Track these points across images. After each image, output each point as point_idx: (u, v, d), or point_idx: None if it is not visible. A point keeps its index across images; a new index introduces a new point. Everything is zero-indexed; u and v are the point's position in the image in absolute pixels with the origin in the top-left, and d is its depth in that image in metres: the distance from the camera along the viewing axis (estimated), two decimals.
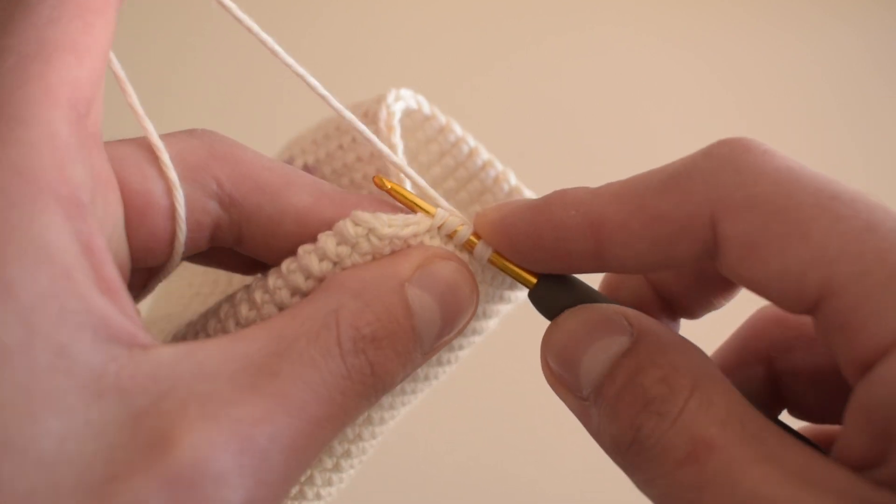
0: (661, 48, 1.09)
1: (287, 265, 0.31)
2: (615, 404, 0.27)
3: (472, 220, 0.33)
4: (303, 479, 0.36)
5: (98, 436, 0.22)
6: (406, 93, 0.38)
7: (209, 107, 0.98)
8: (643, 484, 0.27)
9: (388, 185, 0.33)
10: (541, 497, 0.85)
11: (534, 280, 0.33)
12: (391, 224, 0.32)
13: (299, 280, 0.31)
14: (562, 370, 0.30)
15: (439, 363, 0.39)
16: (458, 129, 0.40)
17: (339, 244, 0.31)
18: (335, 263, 0.31)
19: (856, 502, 0.23)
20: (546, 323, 0.33)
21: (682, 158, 0.29)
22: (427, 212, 0.33)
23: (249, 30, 0.33)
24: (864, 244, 0.24)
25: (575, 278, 0.33)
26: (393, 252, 0.32)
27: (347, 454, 0.37)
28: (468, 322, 0.32)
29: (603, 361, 0.28)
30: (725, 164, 0.27)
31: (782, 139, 1.09)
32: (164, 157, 0.30)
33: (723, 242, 0.26)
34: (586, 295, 0.32)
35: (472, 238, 0.33)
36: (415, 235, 0.33)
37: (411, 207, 0.33)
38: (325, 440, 0.27)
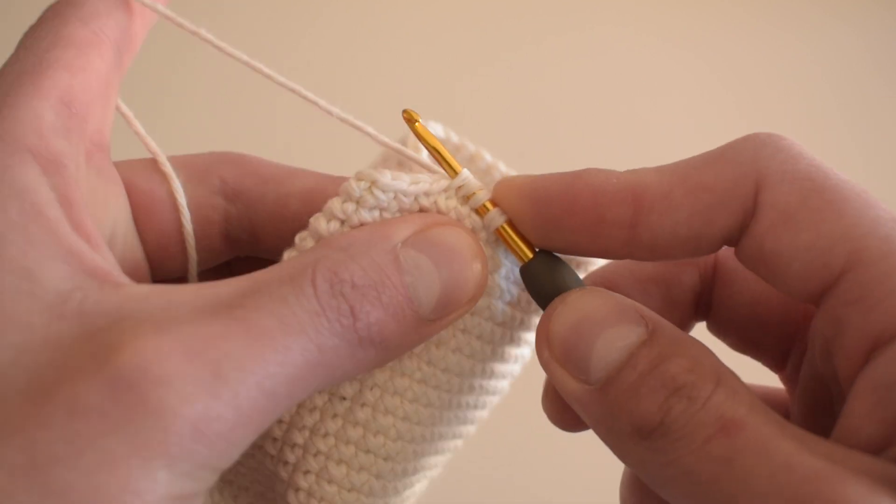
0: (660, 48, 1.10)
1: (299, 236, 0.31)
2: (637, 389, 0.27)
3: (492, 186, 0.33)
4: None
5: (53, 349, 0.24)
6: (435, 125, 0.39)
7: (214, 124, 0.98)
8: (661, 467, 0.26)
9: (417, 121, 0.32)
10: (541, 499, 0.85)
11: (531, 254, 0.32)
12: (398, 178, 0.31)
13: (309, 245, 0.31)
14: (567, 353, 0.29)
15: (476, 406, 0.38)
16: (488, 157, 0.40)
17: (344, 202, 0.31)
18: (342, 222, 0.31)
19: (883, 479, 0.23)
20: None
21: (722, 145, 0.30)
22: (449, 167, 0.32)
23: (271, 78, 0.34)
24: (891, 230, 0.25)
25: (571, 268, 0.32)
26: (402, 213, 0.31)
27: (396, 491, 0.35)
28: (477, 291, 0.31)
29: (620, 349, 0.28)
30: (767, 145, 0.28)
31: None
32: (161, 157, 0.33)
33: (761, 211, 0.27)
34: (581, 283, 0.32)
35: (488, 204, 0.32)
36: (426, 193, 0.32)
37: (434, 156, 0.33)
38: (300, 376, 0.26)
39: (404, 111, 0.32)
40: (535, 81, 1.06)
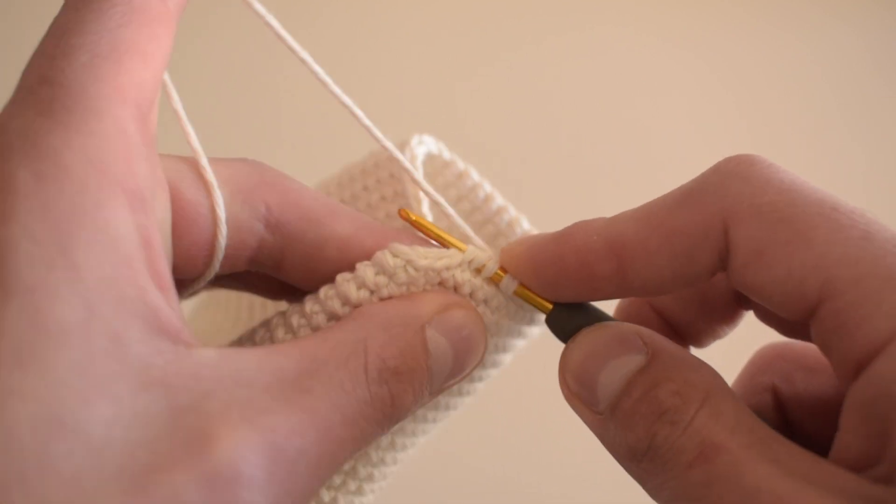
0: (660, 48, 1.10)
1: (325, 291, 0.34)
2: (631, 416, 0.29)
3: (497, 253, 0.35)
4: (327, 500, 0.38)
5: (143, 426, 0.23)
6: (428, 138, 0.41)
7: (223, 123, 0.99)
8: (656, 489, 0.28)
9: (413, 218, 0.36)
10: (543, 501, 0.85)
11: (550, 306, 0.34)
12: (426, 256, 0.34)
13: (336, 306, 0.33)
14: (579, 387, 0.31)
15: (460, 394, 0.41)
16: (475, 175, 0.42)
17: (377, 274, 0.33)
18: (372, 292, 0.33)
19: (855, 499, 0.24)
20: (559, 346, 0.34)
21: (694, 178, 0.30)
22: (455, 245, 0.35)
23: (292, 49, 0.36)
24: (861, 251, 0.25)
25: (589, 304, 0.34)
26: (425, 287, 0.34)
27: (370, 478, 0.38)
28: (475, 368, 0.34)
29: (619, 378, 0.30)
30: (734, 176, 0.29)
31: (783, 139, 1.09)
32: (205, 163, 0.31)
33: (733, 249, 0.28)
34: (600, 317, 0.34)
35: (499, 272, 0.35)
36: (447, 268, 0.34)
37: (437, 240, 0.36)
38: (342, 462, 0.29)
39: (400, 210, 0.36)
40: (536, 82, 1.06)
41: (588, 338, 0.32)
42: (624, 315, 0.38)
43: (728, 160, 0.30)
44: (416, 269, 0.34)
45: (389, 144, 0.37)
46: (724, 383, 0.29)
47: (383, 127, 0.36)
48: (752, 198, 0.28)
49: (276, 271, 0.35)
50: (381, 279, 0.33)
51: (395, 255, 0.33)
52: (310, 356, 0.28)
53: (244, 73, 0.97)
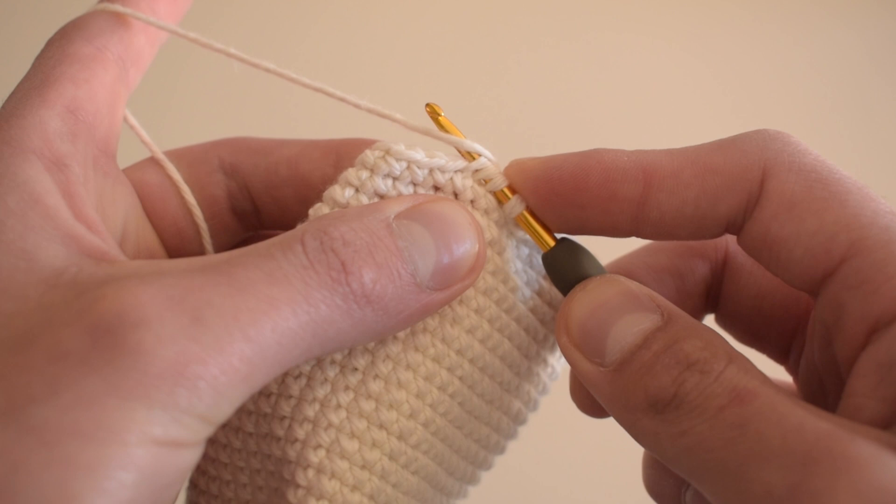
0: (660, 49, 1.10)
1: (314, 207, 0.32)
2: (652, 367, 0.28)
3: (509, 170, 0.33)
4: None
5: (44, 312, 0.25)
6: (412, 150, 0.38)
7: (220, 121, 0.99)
8: (675, 438, 0.27)
9: (440, 115, 0.33)
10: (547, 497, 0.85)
11: (552, 242, 0.33)
12: (410, 147, 0.31)
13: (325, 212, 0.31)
14: (584, 337, 0.30)
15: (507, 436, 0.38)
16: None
17: (359, 170, 0.31)
18: (357, 189, 0.31)
19: (890, 443, 0.24)
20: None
21: (732, 136, 0.31)
22: (469, 156, 0.33)
23: (297, 81, 0.35)
24: (892, 221, 0.27)
25: (592, 255, 0.33)
26: (414, 187, 0.32)
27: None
28: (477, 262, 0.31)
29: (634, 334, 0.29)
30: (776, 138, 0.30)
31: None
32: (156, 149, 0.36)
33: (765, 199, 0.29)
34: (599, 268, 0.33)
35: (507, 191, 0.33)
36: (441, 169, 0.32)
37: (455, 145, 0.33)
38: (289, 329, 0.26)
39: (427, 105, 0.33)
40: (537, 84, 1.06)
41: (599, 288, 0.31)
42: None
43: (767, 129, 0.30)
44: (397, 159, 0.31)
45: (415, 124, 0.34)
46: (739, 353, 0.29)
47: (394, 131, 0.36)
48: (793, 156, 0.29)
49: (259, 218, 0.37)
50: (364, 173, 0.31)
51: (374, 149, 0.31)
52: (244, 248, 0.28)
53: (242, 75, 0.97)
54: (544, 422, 0.39)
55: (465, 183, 0.33)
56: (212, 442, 0.35)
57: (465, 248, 0.31)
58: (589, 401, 0.36)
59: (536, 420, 0.40)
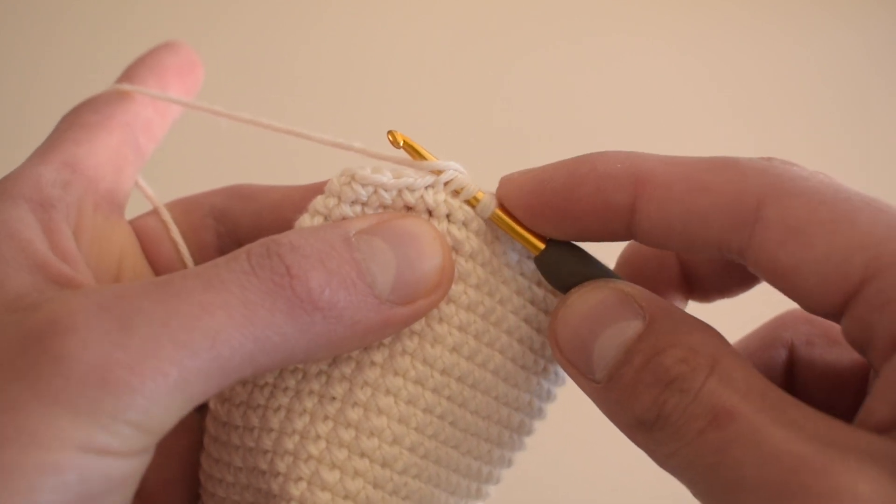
0: (660, 50, 1.10)
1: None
2: (635, 386, 0.28)
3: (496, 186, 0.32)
4: None
5: (1, 334, 0.25)
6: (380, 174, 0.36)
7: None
8: (665, 458, 0.27)
9: (401, 140, 0.32)
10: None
11: (541, 245, 0.32)
12: (376, 171, 0.31)
13: None
14: (574, 355, 0.30)
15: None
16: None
17: (326, 198, 0.31)
18: (325, 217, 0.31)
19: (879, 457, 0.23)
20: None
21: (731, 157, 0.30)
22: (436, 172, 0.32)
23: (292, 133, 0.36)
24: None
25: (585, 252, 0.32)
26: (384, 210, 0.31)
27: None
28: (443, 277, 0.31)
29: (616, 346, 0.29)
30: (781, 165, 0.29)
31: (782, 140, 1.09)
32: (153, 197, 0.39)
33: (765, 226, 0.27)
34: (594, 266, 0.32)
35: (479, 194, 0.32)
36: (410, 189, 0.31)
37: (419, 159, 0.33)
38: (224, 334, 0.25)
39: (389, 132, 0.33)
40: (538, 87, 1.06)
41: (579, 302, 0.30)
42: (638, 252, 0.36)
43: (771, 157, 0.29)
44: (363, 184, 0.31)
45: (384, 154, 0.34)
46: (729, 345, 0.28)
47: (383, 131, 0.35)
48: (794, 181, 0.27)
49: None
50: (331, 200, 0.31)
51: (340, 175, 0.31)
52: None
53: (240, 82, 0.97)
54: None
55: (437, 198, 0.32)
56: (209, 477, 0.34)
57: (429, 262, 0.30)
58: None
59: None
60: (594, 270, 0.32)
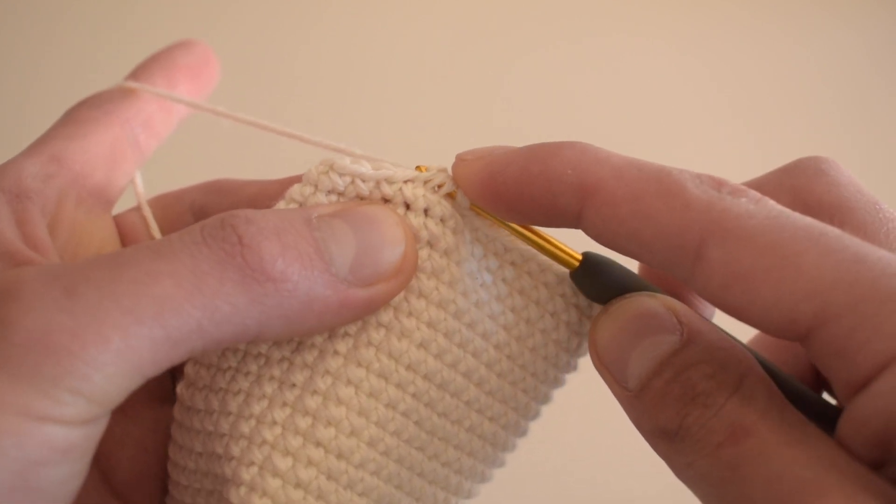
0: (659, 50, 1.10)
1: None
2: (662, 397, 0.28)
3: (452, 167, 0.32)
4: None
5: None
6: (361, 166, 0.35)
7: None
8: (683, 468, 0.28)
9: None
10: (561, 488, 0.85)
11: (576, 262, 0.32)
12: (356, 162, 0.31)
13: None
14: (610, 362, 0.31)
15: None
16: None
17: (303, 186, 0.31)
18: (300, 205, 0.31)
19: (875, 491, 0.24)
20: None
21: (685, 179, 0.29)
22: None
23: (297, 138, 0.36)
24: (855, 274, 0.25)
25: (615, 262, 0.32)
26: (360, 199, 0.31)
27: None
28: (405, 263, 0.31)
29: (651, 359, 0.29)
30: (725, 190, 0.28)
31: (782, 140, 1.09)
32: (139, 191, 0.39)
33: (708, 267, 0.26)
34: (631, 280, 0.32)
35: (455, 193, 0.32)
36: (388, 181, 0.31)
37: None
38: (171, 301, 0.25)
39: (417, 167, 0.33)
40: (539, 87, 1.06)
41: (620, 312, 0.31)
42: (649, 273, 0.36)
43: (716, 180, 0.28)
44: (341, 174, 0.31)
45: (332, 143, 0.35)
46: (758, 366, 0.29)
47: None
48: (739, 219, 0.26)
49: None
50: (308, 189, 0.31)
51: (319, 165, 0.31)
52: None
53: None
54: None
55: (415, 192, 0.31)
56: (174, 465, 0.34)
57: (391, 248, 0.30)
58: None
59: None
60: (635, 283, 0.32)
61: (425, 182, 0.32)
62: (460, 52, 1.06)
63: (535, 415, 0.37)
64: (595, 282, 0.33)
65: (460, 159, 0.32)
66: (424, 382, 0.32)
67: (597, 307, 0.35)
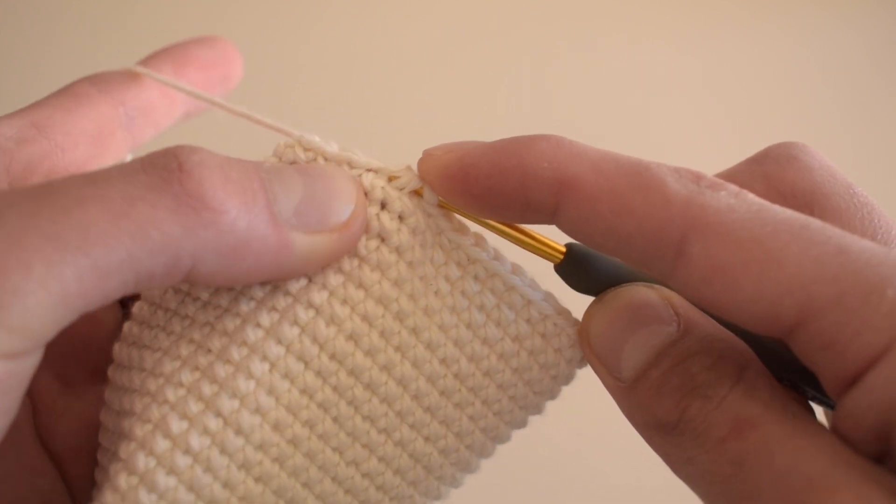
0: (658, 50, 1.10)
1: None
2: (660, 387, 0.28)
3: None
4: None
5: None
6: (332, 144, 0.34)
7: None
8: (683, 463, 0.27)
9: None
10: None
11: (559, 254, 0.31)
12: (325, 142, 0.31)
13: None
14: (603, 351, 0.30)
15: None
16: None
17: (270, 158, 0.31)
18: None
19: (884, 485, 0.23)
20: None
21: (665, 172, 0.28)
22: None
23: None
24: (838, 266, 0.24)
25: (601, 254, 0.31)
26: None
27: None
28: (353, 221, 0.29)
29: (647, 350, 0.29)
30: (704, 184, 0.27)
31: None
32: None
33: (689, 262, 0.26)
34: (621, 270, 0.32)
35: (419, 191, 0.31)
36: (350, 164, 0.31)
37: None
38: (95, 225, 0.24)
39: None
40: (537, 88, 1.06)
41: (615, 300, 0.30)
42: None
43: (702, 175, 0.28)
44: (305, 149, 0.30)
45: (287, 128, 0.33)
46: (757, 359, 0.28)
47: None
48: (720, 213, 0.26)
49: None
50: (272, 159, 0.31)
51: (289, 139, 0.31)
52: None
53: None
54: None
55: (374, 182, 0.30)
56: (102, 428, 0.33)
57: (339, 202, 0.29)
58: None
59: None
60: (626, 273, 0.31)
61: (390, 176, 0.31)
62: (460, 52, 1.06)
63: (486, 451, 0.34)
64: (582, 274, 0.31)
65: (428, 154, 0.31)
66: (349, 378, 0.31)
67: (565, 336, 0.32)
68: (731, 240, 0.25)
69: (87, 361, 0.35)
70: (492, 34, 1.08)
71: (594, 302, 0.31)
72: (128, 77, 0.37)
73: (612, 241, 0.27)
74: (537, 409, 0.34)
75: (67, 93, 0.35)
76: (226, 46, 0.41)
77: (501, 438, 0.34)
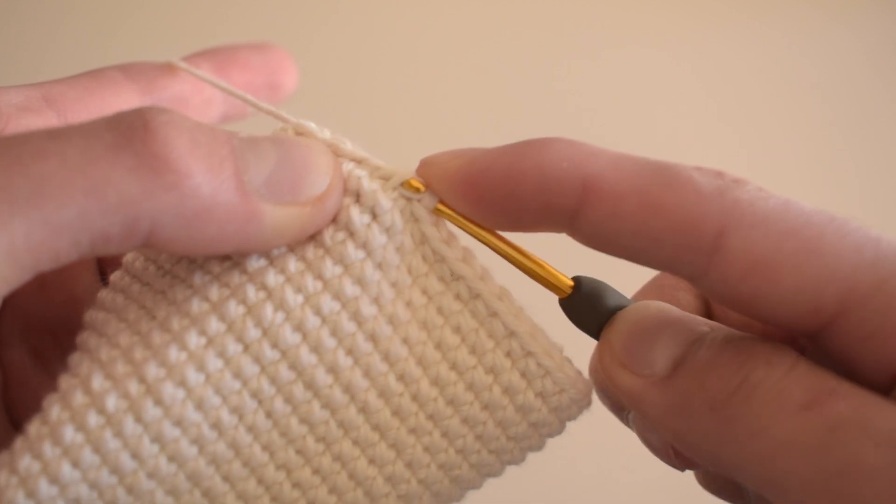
0: (657, 49, 1.10)
1: None
2: (713, 361, 0.26)
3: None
4: None
5: None
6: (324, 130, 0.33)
7: None
8: (747, 438, 0.25)
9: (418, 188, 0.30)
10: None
11: (567, 288, 0.30)
12: (322, 131, 0.30)
13: None
14: (631, 348, 0.28)
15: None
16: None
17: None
18: None
19: None
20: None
21: (693, 172, 0.27)
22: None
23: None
24: (875, 252, 0.24)
25: (614, 290, 0.30)
26: None
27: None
28: (327, 195, 0.28)
29: (686, 336, 0.27)
30: (728, 179, 0.26)
31: (781, 140, 1.09)
32: None
33: (726, 257, 0.25)
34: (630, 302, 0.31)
35: (409, 188, 0.29)
36: (337, 151, 0.29)
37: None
38: (49, 180, 0.23)
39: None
40: (538, 89, 1.06)
41: (642, 308, 0.29)
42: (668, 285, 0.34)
43: (724, 172, 0.27)
44: (299, 134, 0.29)
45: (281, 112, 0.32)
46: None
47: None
48: (754, 205, 0.25)
49: None
50: None
51: (286, 125, 0.30)
52: None
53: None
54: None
55: (354, 172, 0.29)
56: None
57: (313, 176, 0.27)
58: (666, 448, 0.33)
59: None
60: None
61: (374, 169, 0.29)
62: (461, 53, 1.06)
63: (445, 495, 0.30)
64: (591, 310, 0.29)
65: (429, 162, 0.29)
66: (289, 372, 0.28)
67: (550, 380, 0.29)
68: (770, 231, 0.25)
69: (63, 341, 0.33)
70: (496, 40, 1.08)
71: (614, 318, 0.29)
72: (161, 68, 0.36)
73: (640, 241, 0.26)
74: (513, 458, 0.30)
75: (92, 74, 0.35)
76: (279, 54, 0.39)
77: (465, 482, 0.30)
